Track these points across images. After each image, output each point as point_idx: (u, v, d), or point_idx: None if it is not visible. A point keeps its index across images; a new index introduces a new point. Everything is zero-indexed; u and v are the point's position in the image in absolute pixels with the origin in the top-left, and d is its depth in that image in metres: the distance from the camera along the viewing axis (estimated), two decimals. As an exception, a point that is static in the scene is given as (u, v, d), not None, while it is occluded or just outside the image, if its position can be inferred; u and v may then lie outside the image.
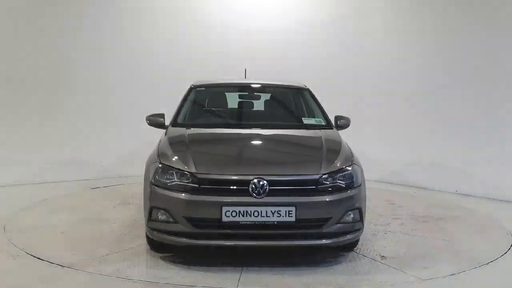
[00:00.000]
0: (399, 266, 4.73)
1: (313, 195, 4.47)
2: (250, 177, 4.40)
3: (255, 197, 4.35)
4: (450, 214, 6.83)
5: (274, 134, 5.40)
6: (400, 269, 4.66)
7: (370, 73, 9.36)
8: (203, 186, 4.43)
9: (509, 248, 5.46)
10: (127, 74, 8.81)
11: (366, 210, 4.93)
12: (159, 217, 4.52)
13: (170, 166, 4.60)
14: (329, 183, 4.56)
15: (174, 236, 4.48)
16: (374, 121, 9.30)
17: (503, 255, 5.25)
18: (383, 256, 5.00)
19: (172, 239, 4.51)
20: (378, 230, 5.96)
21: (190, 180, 4.46)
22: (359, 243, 5.34)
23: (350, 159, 4.85)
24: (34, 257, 4.68)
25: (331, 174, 4.59)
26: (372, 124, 9.28)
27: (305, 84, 6.46)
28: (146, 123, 5.73)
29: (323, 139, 5.14)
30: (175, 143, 4.95)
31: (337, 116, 5.95)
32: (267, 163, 4.76)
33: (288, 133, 5.45)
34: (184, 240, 4.46)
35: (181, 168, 4.54)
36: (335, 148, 4.98)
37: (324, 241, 4.54)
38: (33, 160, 8.03)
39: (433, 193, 8.25)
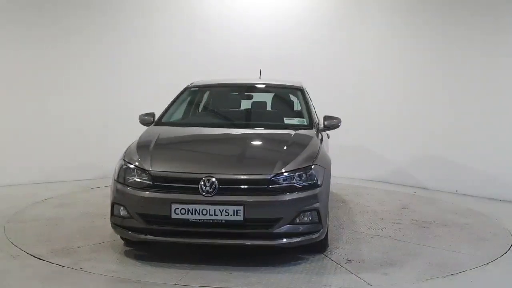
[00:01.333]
0: (357, 270, 4.59)
1: (264, 195, 4.45)
2: (201, 176, 4.46)
3: (204, 196, 4.40)
4: (459, 221, 6.50)
5: (244, 134, 5.41)
6: (356, 273, 4.52)
7: (372, 73, 9.25)
8: (156, 183, 4.54)
9: (509, 248, 5.37)
10: (127, 75, 8.90)
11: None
12: (120, 212, 4.68)
13: (131, 163, 4.76)
14: (283, 183, 4.52)
15: (130, 231, 4.64)
16: (376, 121, 9.25)
17: (503, 255, 5.16)
18: (349, 260, 4.86)
19: (128, 234, 4.67)
20: (367, 234, 5.80)
21: (147, 177, 4.59)
22: (335, 245, 5.27)
23: (312, 159, 4.76)
24: (34, 257, 4.74)
25: (285, 174, 4.54)
26: (375, 124, 9.23)
27: (303, 84, 6.41)
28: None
29: (290, 140, 5.09)
30: (143, 142, 5.09)
31: (326, 116, 5.87)
32: (221, 162, 4.78)
33: (259, 133, 5.43)
34: (136, 235, 4.59)
35: (139, 165, 4.68)
36: (298, 149, 4.91)
37: (274, 242, 4.50)
38: (33, 160, 8.15)
39: (457, 197, 7.91)
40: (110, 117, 8.64)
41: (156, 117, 5.88)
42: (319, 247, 4.99)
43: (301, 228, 4.56)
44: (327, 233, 4.95)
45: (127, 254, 4.92)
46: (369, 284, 4.30)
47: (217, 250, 4.98)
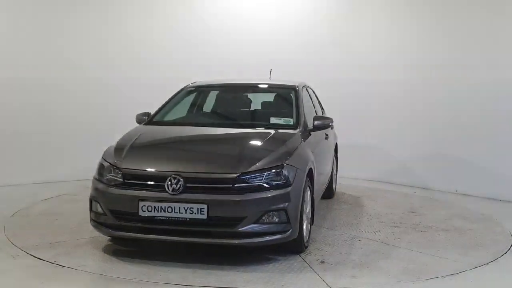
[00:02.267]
0: (325, 272, 4.51)
1: (228, 194, 4.46)
2: (167, 174, 4.52)
3: (169, 193, 4.46)
4: (464, 226, 6.26)
5: (222, 134, 5.43)
6: (322, 275, 4.45)
7: (371, 73, 9.17)
8: (126, 181, 4.66)
9: (509, 248, 5.37)
10: (128, 75, 8.88)
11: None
12: (97, 209, 4.83)
13: (107, 161, 4.90)
14: (250, 182, 4.50)
15: (103, 226, 4.77)
16: (376, 120, 9.27)
17: (503, 255, 5.16)
18: (323, 262, 4.79)
19: (102, 230, 4.81)
20: (357, 236, 5.68)
21: (119, 175, 4.71)
22: (316, 247, 5.23)
23: (283, 159, 4.71)
24: (34, 257, 4.77)
25: (251, 173, 4.52)
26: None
27: (306, 84, 6.55)
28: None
29: (265, 139, 5.05)
30: (123, 141, 5.21)
31: (316, 116, 5.82)
32: (189, 161, 4.79)
33: (238, 133, 5.41)
34: (106, 230, 4.73)
35: (112, 163, 4.82)
36: (270, 148, 4.87)
37: (238, 241, 4.49)
38: (33, 160, 8.17)
39: (475, 202, 7.61)
40: (110, 117, 8.57)
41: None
42: (295, 248, 4.93)
43: (268, 228, 4.52)
44: (302, 234, 4.89)
45: (103, 249, 5.04)
46: (329, 286, 4.22)
47: (191, 247, 5.03)
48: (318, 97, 7.61)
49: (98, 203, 4.78)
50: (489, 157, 7.84)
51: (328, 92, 8.39)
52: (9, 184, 7.88)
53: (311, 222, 5.37)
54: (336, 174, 8.11)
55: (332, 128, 7.43)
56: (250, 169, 4.54)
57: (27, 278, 4.30)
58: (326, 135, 6.56)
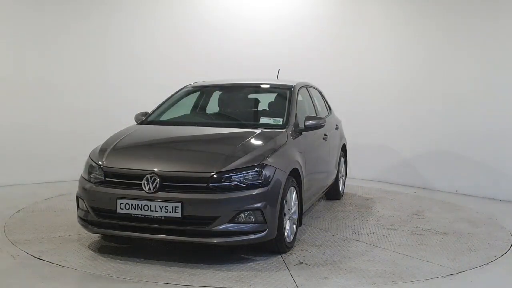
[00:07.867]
0: (299, 273, 4.48)
1: (203, 193, 4.49)
2: (144, 172, 4.60)
3: (146, 192, 4.54)
4: (465, 230, 6.08)
5: (206, 133, 5.45)
6: (295, 275, 4.42)
7: (372, 72, 9.18)
8: (107, 179, 4.76)
9: (509, 248, 5.38)
10: (128, 75, 8.92)
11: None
12: (83, 206, 4.94)
13: (92, 160, 5.02)
14: (225, 182, 4.52)
15: (87, 223, 4.88)
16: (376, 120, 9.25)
17: (503, 255, 5.16)
18: (301, 263, 4.76)
19: (86, 227, 4.91)
20: (347, 238, 5.62)
21: (101, 173, 4.82)
22: (302, 247, 5.22)
23: (261, 159, 4.69)
24: (34, 257, 4.80)
25: (226, 172, 4.54)
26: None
27: (307, 84, 6.64)
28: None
29: (247, 139, 5.04)
30: (110, 140, 5.33)
31: (308, 116, 5.76)
32: (167, 160, 4.84)
33: (222, 132, 5.41)
34: (91, 227, 4.83)
35: (96, 161, 4.93)
36: (249, 148, 4.87)
37: (212, 240, 4.51)
38: (33, 160, 8.20)
39: (484, 206, 7.35)
40: (111, 117, 8.47)
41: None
42: (276, 248, 4.91)
43: (243, 228, 4.53)
44: (283, 234, 4.87)
45: (90, 247, 5.13)
46: (297, 287, 4.18)
47: (172, 245, 5.10)
48: (325, 97, 7.56)
49: (83, 200, 4.89)
50: (491, 157, 7.87)
51: (334, 93, 8.36)
52: (9, 184, 7.99)
53: (299, 222, 5.33)
54: (345, 176, 8.01)
55: (337, 129, 7.36)
56: (224, 169, 4.56)
57: (27, 278, 4.34)
58: (325, 135, 6.49)
